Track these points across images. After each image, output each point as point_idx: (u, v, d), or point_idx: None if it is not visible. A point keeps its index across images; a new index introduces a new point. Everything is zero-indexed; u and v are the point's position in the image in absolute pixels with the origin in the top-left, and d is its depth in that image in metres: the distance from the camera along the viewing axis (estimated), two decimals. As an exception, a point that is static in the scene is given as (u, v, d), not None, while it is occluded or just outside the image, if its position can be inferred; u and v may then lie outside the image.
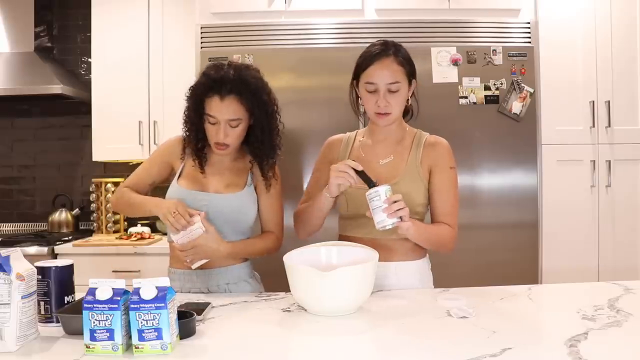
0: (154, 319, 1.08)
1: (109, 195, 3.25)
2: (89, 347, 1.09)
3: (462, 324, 1.28)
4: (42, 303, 1.28)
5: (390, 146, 1.72)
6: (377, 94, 1.62)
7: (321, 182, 1.75)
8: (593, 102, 2.75)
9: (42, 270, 1.28)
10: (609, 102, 2.75)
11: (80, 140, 3.49)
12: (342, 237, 1.73)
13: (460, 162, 2.59)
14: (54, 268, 1.30)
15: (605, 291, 1.56)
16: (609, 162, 2.76)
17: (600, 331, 1.19)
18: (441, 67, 2.62)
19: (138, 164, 3.41)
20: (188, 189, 1.69)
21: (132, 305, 1.09)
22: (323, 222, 1.70)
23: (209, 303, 1.45)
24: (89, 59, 3.33)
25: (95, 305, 1.09)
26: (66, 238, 3.07)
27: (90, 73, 3.27)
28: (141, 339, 1.08)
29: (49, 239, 3.02)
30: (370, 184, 1.50)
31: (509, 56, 2.63)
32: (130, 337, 1.10)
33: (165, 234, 3.05)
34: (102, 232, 3.25)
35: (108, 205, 3.25)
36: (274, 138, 1.70)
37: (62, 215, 3.33)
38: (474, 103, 2.61)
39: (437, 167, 1.69)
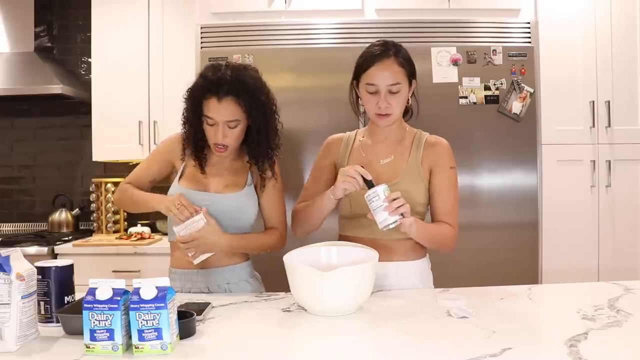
0: (154, 319, 1.08)
1: (109, 195, 3.25)
2: (89, 347, 1.09)
3: (462, 324, 1.28)
4: (42, 303, 1.28)
5: (391, 146, 1.72)
6: (378, 95, 1.62)
7: (321, 181, 1.75)
8: (593, 102, 2.75)
9: (42, 270, 1.28)
10: (609, 102, 2.75)
11: (80, 140, 3.49)
12: (342, 237, 1.74)
13: (460, 162, 2.59)
14: (54, 268, 1.30)
15: (605, 291, 1.56)
16: (609, 162, 2.76)
17: (600, 331, 1.19)
18: (441, 67, 2.62)
19: (138, 164, 3.41)
20: (189, 189, 1.69)
21: (132, 305, 1.09)
22: (322, 222, 1.70)
23: (209, 303, 1.45)
24: (89, 59, 3.33)
25: (95, 305, 1.09)
26: (66, 238, 3.07)
27: (90, 73, 3.27)
28: (141, 339, 1.08)
29: (49, 239, 3.02)
30: (369, 185, 1.50)
31: (509, 56, 2.63)
32: (130, 337, 1.10)
33: (165, 234, 3.05)
34: (102, 232, 3.25)
35: (108, 205, 3.25)
36: (271, 138, 1.69)
37: (62, 215, 3.33)
38: (474, 103, 2.61)
39: (437, 167, 1.69)
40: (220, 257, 1.69)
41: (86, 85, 3.32)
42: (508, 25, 2.71)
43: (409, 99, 1.69)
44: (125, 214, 3.37)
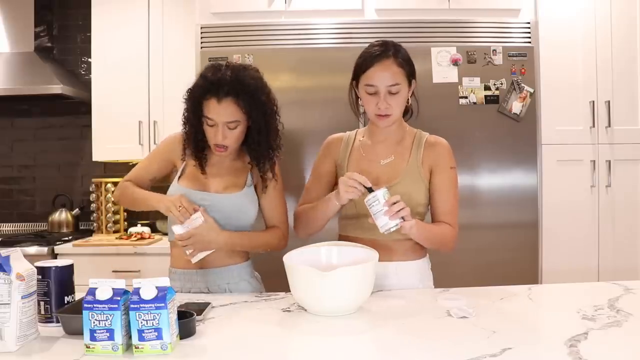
0: (154, 319, 1.08)
1: (109, 195, 3.25)
2: (89, 347, 1.09)
3: (462, 324, 1.28)
4: (42, 303, 1.28)
5: (391, 146, 1.72)
6: (378, 95, 1.61)
7: (322, 182, 1.75)
8: (593, 102, 2.75)
9: (42, 270, 1.28)
10: (609, 102, 2.75)
11: (80, 140, 3.49)
12: (342, 237, 1.73)
13: (460, 162, 2.59)
14: (53, 268, 1.30)
15: (605, 291, 1.56)
16: (609, 162, 2.76)
17: (600, 331, 1.19)
18: (441, 67, 2.62)
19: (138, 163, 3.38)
20: (188, 189, 1.70)
21: (132, 305, 1.09)
22: (326, 224, 1.70)
23: (209, 303, 1.45)
24: (89, 59, 3.33)
25: (95, 305, 1.09)
26: (66, 238, 3.07)
27: (90, 73, 3.27)
28: (141, 339, 1.08)
29: (49, 239, 3.02)
30: (369, 190, 1.51)
31: (509, 56, 2.63)
32: (130, 337, 1.10)
33: (165, 234, 3.05)
34: (102, 232, 3.25)
35: (108, 205, 3.25)
36: (272, 139, 1.68)
37: (62, 215, 3.33)
38: (474, 103, 2.61)
39: (437, 167, 1.69)
40: (220, 257, 1.69)
41: (86, 85, 3.32)
42: (508, 25, 2.71)
43: (408, 99, 1.69)
44: (125, 214, 3.37)
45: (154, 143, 3.08)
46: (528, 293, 1.59)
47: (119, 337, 1.08)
